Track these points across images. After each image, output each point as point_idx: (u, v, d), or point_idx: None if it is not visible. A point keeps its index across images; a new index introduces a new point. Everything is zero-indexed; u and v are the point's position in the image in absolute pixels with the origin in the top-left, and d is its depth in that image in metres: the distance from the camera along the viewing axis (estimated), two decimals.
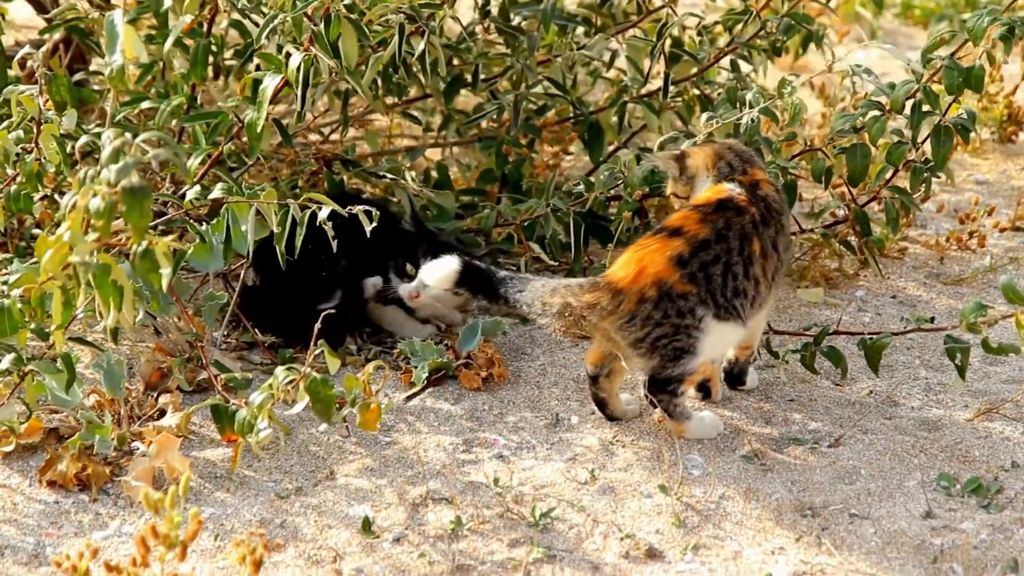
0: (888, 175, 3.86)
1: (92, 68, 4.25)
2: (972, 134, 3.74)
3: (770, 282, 3.25)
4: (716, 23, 4.30)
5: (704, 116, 3.73)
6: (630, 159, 3.88)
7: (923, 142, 3.74)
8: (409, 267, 3.62)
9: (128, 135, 2.63)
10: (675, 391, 3.19)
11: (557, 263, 4.03)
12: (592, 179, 4.00)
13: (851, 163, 3.73)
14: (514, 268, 3.93)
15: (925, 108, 3.67)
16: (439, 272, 3.17)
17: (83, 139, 3.15)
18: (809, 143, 4.09)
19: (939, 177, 3.81)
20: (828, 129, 3.88)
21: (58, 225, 2.74)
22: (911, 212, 3.99)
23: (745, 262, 3.17)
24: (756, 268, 3.19)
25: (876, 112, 3.69)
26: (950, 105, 3.69)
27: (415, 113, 4.55)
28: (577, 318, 3.14)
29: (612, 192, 3.95)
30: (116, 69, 2.90)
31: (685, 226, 3.16)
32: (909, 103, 3.68)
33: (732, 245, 3.15)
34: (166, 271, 2.74)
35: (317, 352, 3.01)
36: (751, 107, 3.64)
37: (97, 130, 3.25)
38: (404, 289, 3.59)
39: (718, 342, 3.19)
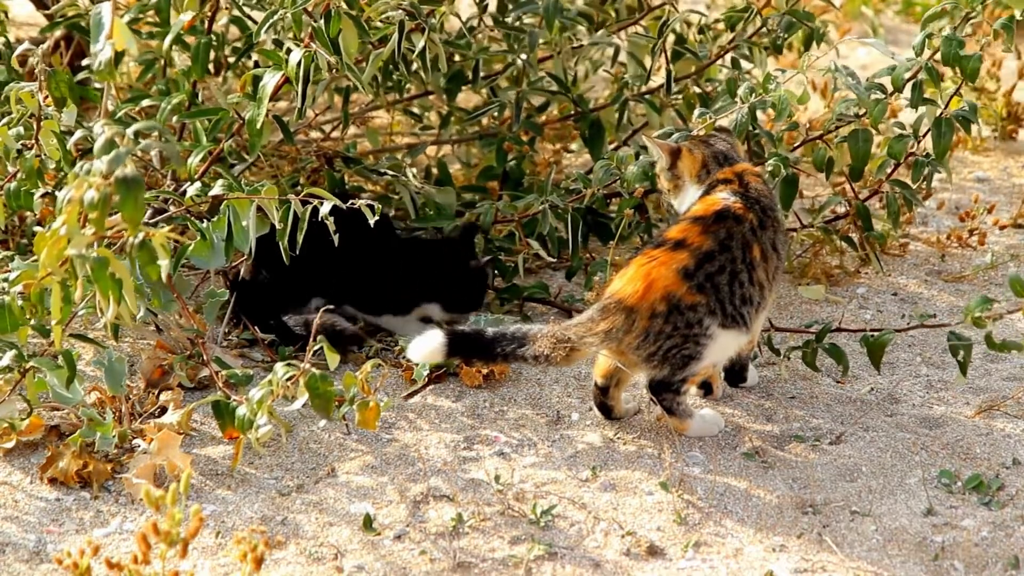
0: (890, 169, 3.85)
1: (84, 62, 4.25)
2: (973, 131, 3.73)
3: (771, 283, 3.26)
4: (717, 21, 4.30)
5: (696, 112, 3.73)
6: (627, 155, 3.88)
7: (924, 135, 3.74)
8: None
9: (120, 126, 2.63)
10: (678, 390, 3.20)
11: (556, 260, 4.03)
12: (590, 176, 4.00)
13: (852, 148, 3.73)
14: (512, 265, 3.92)
15: (927, 96, 3.67)
16: (425, 348, 3.14)
17: (78, 134, 3.14)
18: (808, 132, 4.08)
19: (940, 171, 3.80)
20: (828, 123, 3.87)
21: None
22: (913, 207, 3.99)
23: (748, 269, 3.18)
24: (759, 272, 3.20)
25: (878, 95, 3.69)
26: (951, 98, 3.68)
27: (415, 110, 4.55)
28: (586, 349, 3.16)
29: (612, 189, 3.95)
30: (105, 62, 2.87)
31: (688, 238, 3.16)
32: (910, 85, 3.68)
33: (735, 254, 3.16)
34: (164, 263, 2.73)
35: (316, 348, 3.00)
36: (743, 102, 3.65)
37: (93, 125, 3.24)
38: None
39: (723, 348, 3.21)
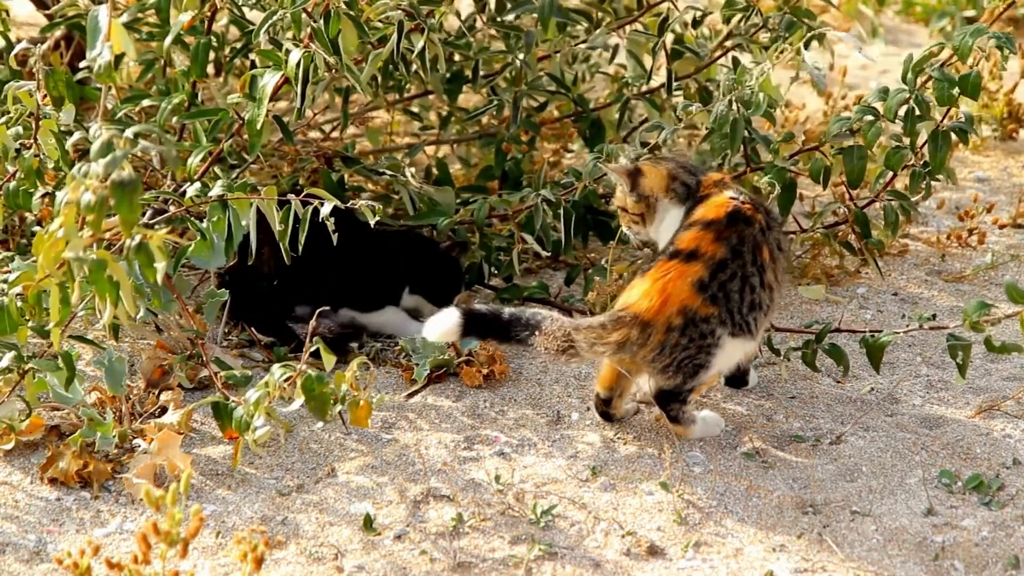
0: (887, 180, 3.85)
1: (82, 64, 4.24)
2: (972, 135, 3.73)
3: (779, 284, 3.25)
4: (710, 13, 4.28)
5: (680, 104, 3.72)
6: (618, 148, 3.86)
7: (922, 147, 3.74)
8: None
9: (118, 128, 2.63)
10: (685, 399, 3.19)
11: (550, 254, 4.01)
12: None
13: (848, 164, 3.73)
14: (507, 261, 3.92)
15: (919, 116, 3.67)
16: (442, 327, 3.13)
17: (76, 135, 3.15)
18: (804, 142, 4.08)
19: (938, 180, 3.80)
20: (827, 127, 3.87)
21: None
22: (911, 214, 3.99)
23: (759, 272, 3.17)
24: (769, 275, 3.19)
25: (871, 117, 3.69)
26: (948, 111, 3.68)
27: (415, 110, 4.54)
28: (597, 354, 3.15)
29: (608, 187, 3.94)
30: (103, 65, 2.87)
31: (701, 247, 3.14)
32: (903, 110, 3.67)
33: (746, 259, 3.15)
34: (161, 264, 2.73)
35: (313, 349, 2.99)
36: (724, 95, 3.64)
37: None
38: None
39: (730, 356, 3.21)
